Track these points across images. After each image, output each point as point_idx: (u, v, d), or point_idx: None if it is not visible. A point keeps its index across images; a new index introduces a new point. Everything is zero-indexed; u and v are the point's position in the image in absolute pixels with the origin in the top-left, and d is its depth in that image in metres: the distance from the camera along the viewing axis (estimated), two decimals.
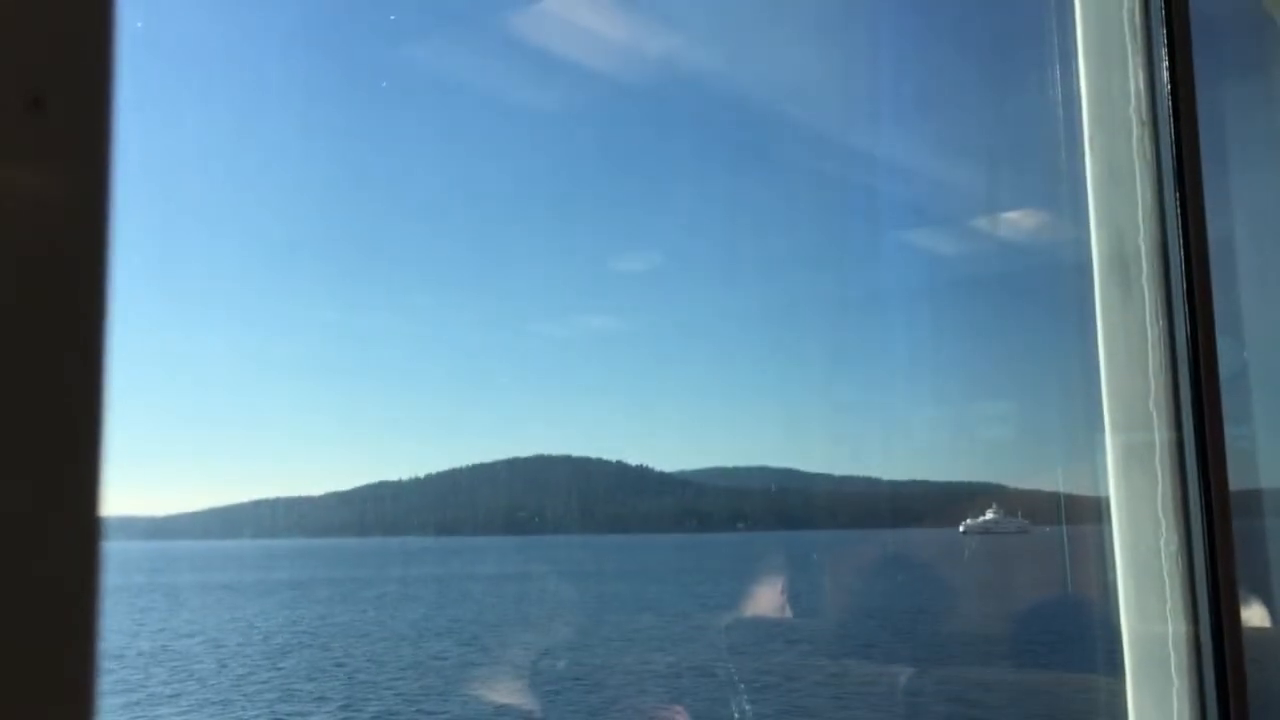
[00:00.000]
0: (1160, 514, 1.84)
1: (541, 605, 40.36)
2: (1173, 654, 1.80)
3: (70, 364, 0.57)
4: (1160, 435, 1.85)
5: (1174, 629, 1.81)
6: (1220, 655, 1.76)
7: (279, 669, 26.50)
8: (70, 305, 0.56)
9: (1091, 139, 2.00)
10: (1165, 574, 1.83)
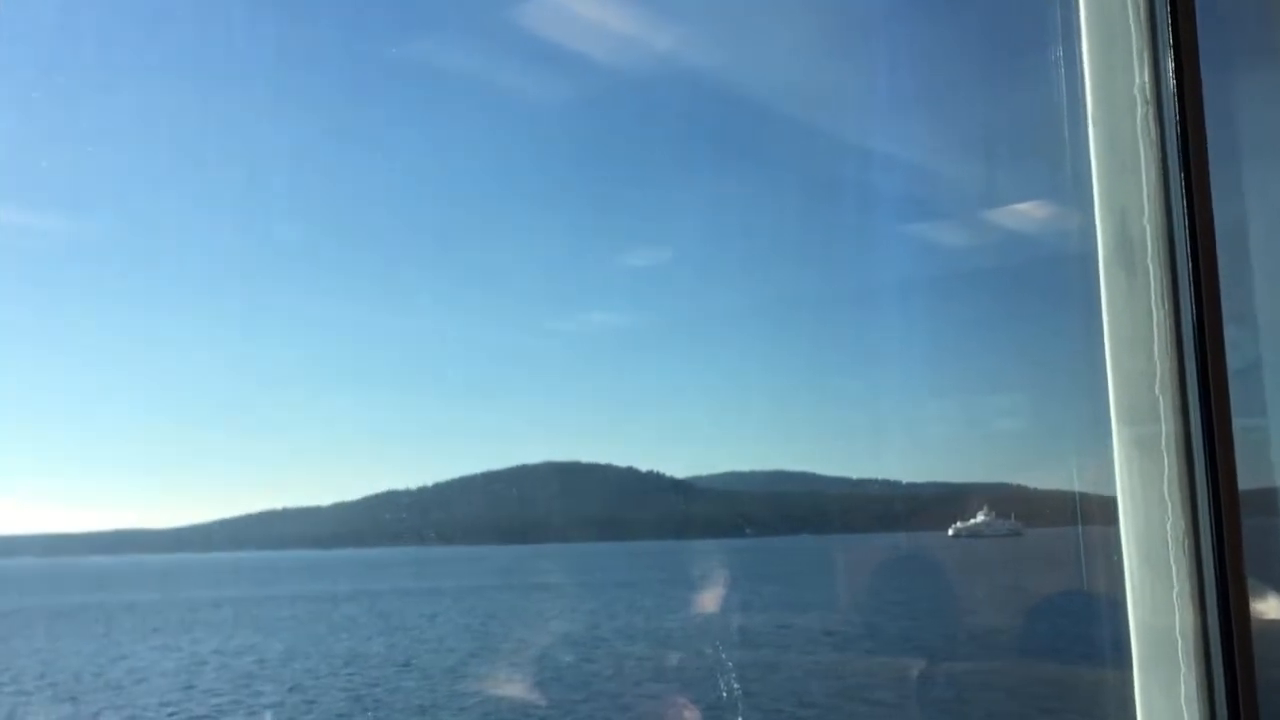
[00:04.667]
0: (1167, 498, 1.81)
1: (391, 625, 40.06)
2: (1180, 641, 1.77)
3: None
4: (1166, 419, 1.81)
5: (1181, 615, 1.78)
6: (1228, 642, 1.73)
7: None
8: None
9: (1095, 118, 1.97)
10: (1172, 560, 1.79)
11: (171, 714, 22.94)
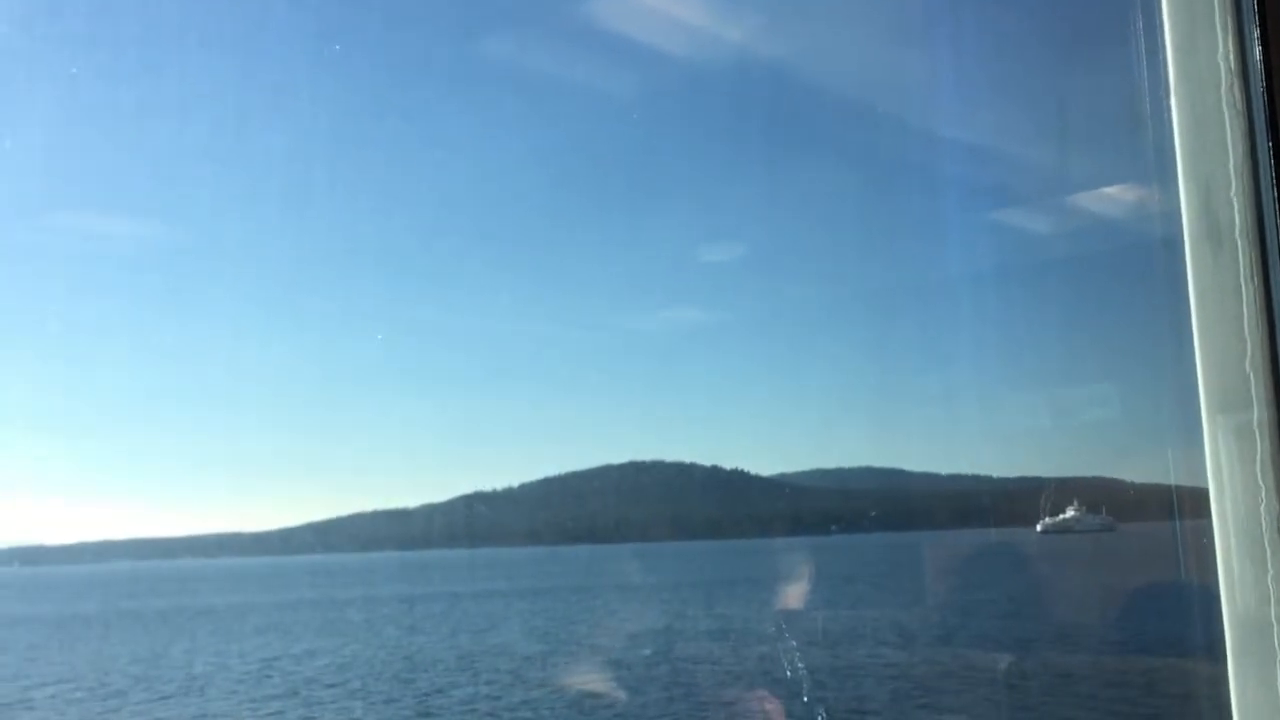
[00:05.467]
0: (1260, 482, 1.75)
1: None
2: (1276, 628, 1.71)
3: None
4: (1258, 397, 1.76)
5: (1278, 603, 1.72)
6: None
7: None
8: None
9: (1177, 91, 1.93)
10: (1267, 545, 1.74)
11: None
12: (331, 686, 26.63)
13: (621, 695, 22.99)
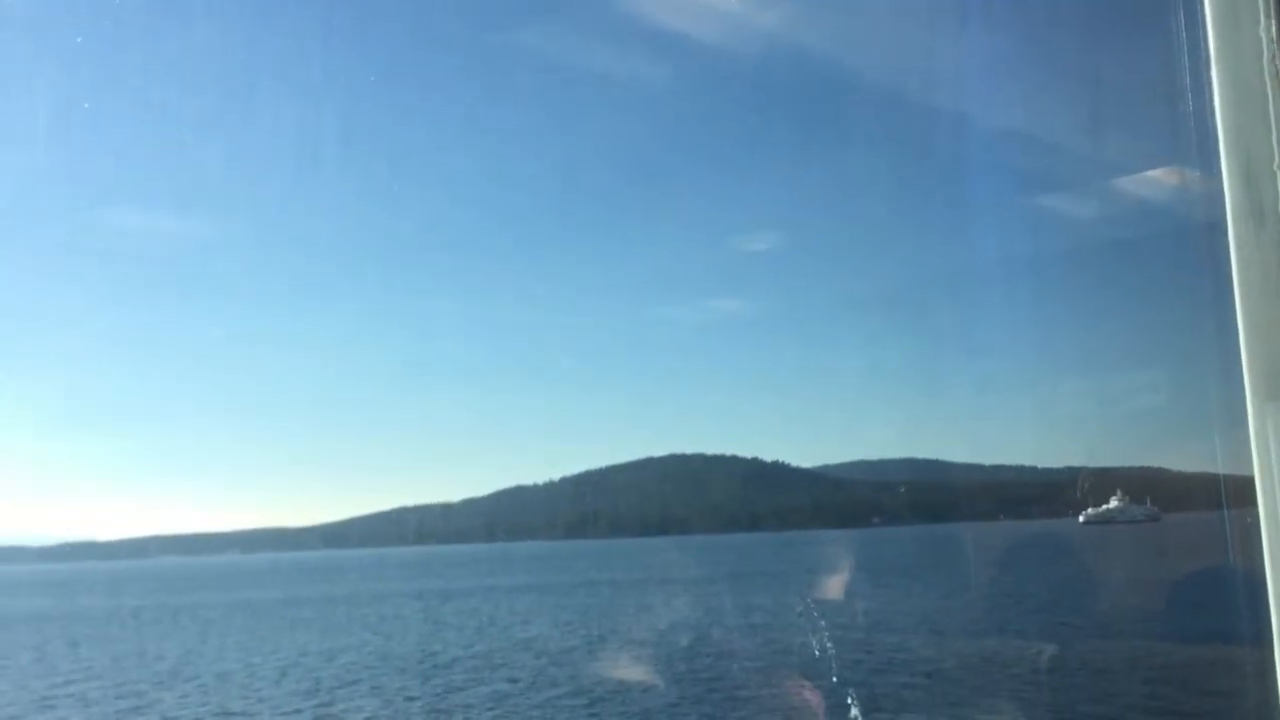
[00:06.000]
0: None
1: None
2: None
3: None
4: None
5: None
6: None
7: None
8: None
9: (1219, 66, 1.87)
10: None
11: None
12: (351, 684, 26.63)
13: (660, 684, 22.98)
